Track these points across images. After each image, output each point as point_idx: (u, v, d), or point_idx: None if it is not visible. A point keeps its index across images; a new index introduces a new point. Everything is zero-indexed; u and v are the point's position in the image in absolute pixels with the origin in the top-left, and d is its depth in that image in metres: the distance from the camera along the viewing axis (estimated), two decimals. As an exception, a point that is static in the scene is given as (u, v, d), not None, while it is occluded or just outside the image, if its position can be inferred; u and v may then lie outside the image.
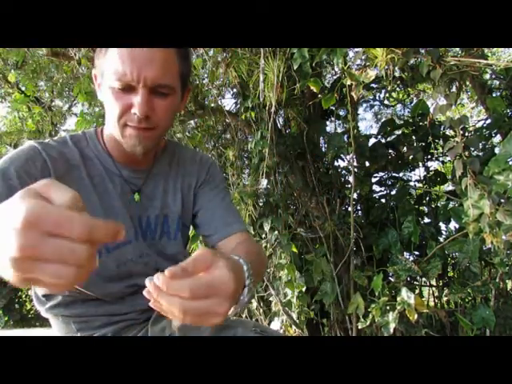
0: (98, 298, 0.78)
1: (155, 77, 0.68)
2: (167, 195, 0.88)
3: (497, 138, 2.16)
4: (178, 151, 0.94)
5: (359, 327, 1.84)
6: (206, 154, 1.01)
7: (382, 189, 2.40)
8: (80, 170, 0.78)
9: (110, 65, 0.69)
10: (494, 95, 2.19)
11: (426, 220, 2.33)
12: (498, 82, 2.37)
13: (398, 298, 1.65)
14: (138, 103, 0.69)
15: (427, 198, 2.33)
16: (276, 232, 2.08)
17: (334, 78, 2.33)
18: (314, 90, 1.77)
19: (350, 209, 2.05)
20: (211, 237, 0.88)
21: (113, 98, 0.71)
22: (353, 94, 1.57)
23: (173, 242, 0.88)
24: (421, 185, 2.36)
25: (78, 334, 0.78)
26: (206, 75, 2.31)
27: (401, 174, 2.38)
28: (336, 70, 2.57)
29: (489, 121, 2.08)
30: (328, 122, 2.55)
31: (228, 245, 0.85)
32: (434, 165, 2.51)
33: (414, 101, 2.80)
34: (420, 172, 2.36)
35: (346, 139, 2.14)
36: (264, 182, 2.28)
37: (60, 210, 0.33)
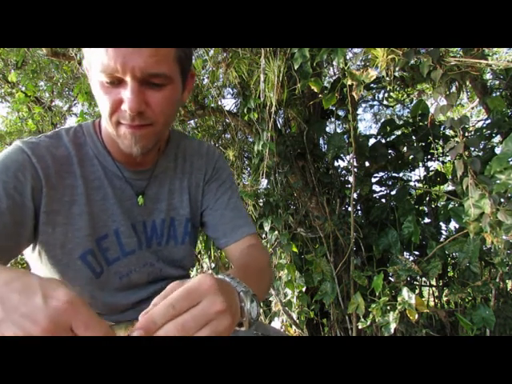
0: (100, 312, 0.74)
1: (144, 65, 0.59)
2: (173, 196, 0.80)
3: (497, 138, 2.16)
4: (182, 143, 0.84)
5: (359, 327, 1.84)
6: (212, 145, 0.91)
7: (382, 189, 2.40)
8: (75, 177, 0.70)
9: (96, 56, 0.60)
10: (493, 95, 2.19)
11: (426, 220, 2.33)
12: (497, 82, 2.37)
13: (399, 298, 1.65)
14: (128, 98, 0.60)
15: (427, 198, 2.33)
16: (276, 232, 2.08)
17: (334, 78, 2.33)
18: (315, 90, 1.77)
19: (350, 209, 2.05)
20: (218, 240, 0.84)
21: (102, 93, 0.63)
22: (353, 93, 1.57)
23: (180, 246, 0.82)
24: (421, 185, 2.36)
25: None
26: (206, 75, 2.31)
27: (401, 174, 2.39)
28: (335, 70, 2.57)
29: (489, 121, 2.08)
30: (328, 122, 2.56)
31: (235, 250, 0.81)
32: (433, 165, 2.51)
33: (414, 101, 2.80)
34: (420, 172, 2.36)
35: (346, 139, 2.14)
36: (264, 182, 2.29)
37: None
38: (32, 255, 0.71)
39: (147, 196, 0.77)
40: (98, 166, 0.73)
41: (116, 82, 0.61)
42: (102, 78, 0.61)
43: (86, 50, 0.64)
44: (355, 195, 2.21)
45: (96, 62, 0.60)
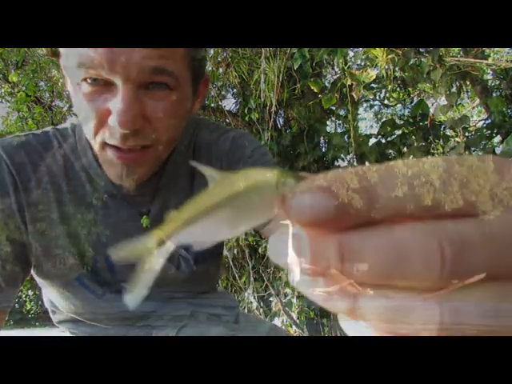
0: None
1: (142, 59, 0.44)
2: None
3: (497, 138, 2.16)
4: (195, 133, 0.65)
5: (359, 327, 1.84)
6: (230, 130, 0.68)
7: (383, 189, 2.40)
8: (61, 191, 0.57)
9: (74, 48, 0.45)
10: (494, 95, 2.20)
11: (426, 220, 2.33)
12: (498, 82, 2.37)
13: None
14: (118, 110, 0.44)
15: (427, 198, 2.33)
16: (276, 232, 2.08)
17: (334, 78, 2.34)
18: (315, 90, 1.77)
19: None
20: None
21: (81, 100, 0.46)
22: (353, 93, 1.57)
23: (192, 262, 0.68)
24: (421, 185, 2.36)
25: None
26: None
27: (401, 174, 2.38)
28: (336, 70, 2.57)
29: (489, 121, 2.09)
30: (328, 122, 2.56)
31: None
32: (434, 165, 2.51)
33: (415, 101, 2.81)
34: (420, 172, 2.36)
35: (346, 139, 2.14)
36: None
37: None
38: (32, 272, 0.64)
39: (153, 213, 0.61)
40: (85, 180, 0.58)
41: (101, 85, 0.45)
42: (81, 75, 0.45)
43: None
44: (355, 195, 2.21)
45: (74, 56, 0.45)
